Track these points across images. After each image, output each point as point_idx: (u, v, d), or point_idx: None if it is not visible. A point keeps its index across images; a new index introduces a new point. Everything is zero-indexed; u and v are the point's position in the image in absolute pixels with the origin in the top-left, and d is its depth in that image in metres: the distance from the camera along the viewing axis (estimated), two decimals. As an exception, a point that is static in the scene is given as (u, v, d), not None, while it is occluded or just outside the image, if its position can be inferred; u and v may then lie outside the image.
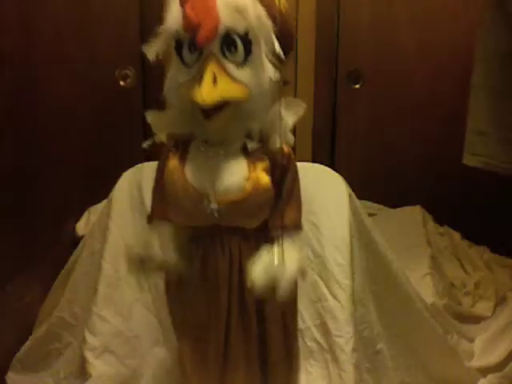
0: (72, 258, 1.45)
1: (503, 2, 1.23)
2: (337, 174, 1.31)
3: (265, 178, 0.82)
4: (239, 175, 0.82)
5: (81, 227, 1.69)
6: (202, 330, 0.91)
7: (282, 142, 0.85)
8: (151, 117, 0.89)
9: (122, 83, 1.82)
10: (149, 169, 1.22)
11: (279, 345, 0.91)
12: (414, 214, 1.87)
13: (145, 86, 1.86)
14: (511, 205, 1.75)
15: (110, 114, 1.80)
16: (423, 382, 1.30)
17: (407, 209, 1.90)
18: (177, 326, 0.96)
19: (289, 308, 0.93)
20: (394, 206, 1.93)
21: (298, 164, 0.91)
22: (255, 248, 0.88)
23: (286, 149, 0.87)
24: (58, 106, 1.67)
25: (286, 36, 0.82)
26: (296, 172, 0.89)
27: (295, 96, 1.86)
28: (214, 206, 0.82)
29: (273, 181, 0.84)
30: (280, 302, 0.86)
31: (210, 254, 0.88)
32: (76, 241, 1.54)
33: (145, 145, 0.88)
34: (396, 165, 1.91)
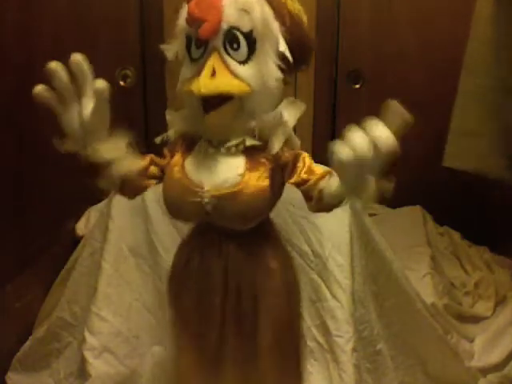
0: (72, 258, 1.45)
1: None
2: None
3: (260, 180, 0.82)
4: (235, 171, 0.82)
5: (81, 227, 1.69)
6: (198, 332, 0.91)
7: (281, 145, 0.83)
8: (169, 114, 0.91)
9: (121, 83, 1.82)
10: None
11: (269, 350, 0.90)
12: (414, 214, 1.87)
13: (145, 86, 1.86)
14: (511, 205, 1.74)
15: (110, 114, 1.80)
16: (423, 382, 1.30)
17: (407, 209, 1.90)
18: (175, 326, 0.96)
19: (283, 311, 0.92)
20: (394, 206, 1.93)
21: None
22: (253, 255, 0.88)
23: (290, 150, 0.85)
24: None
25: (296, 37, 0.82)
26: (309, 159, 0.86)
27: (295, 96, 1.86)
28: (207, 198, 0.82)
29: (273, 185, 0.84)
30: (274, 304, 0.88)
31: (206, 259, 0.89)
32: (76, 241, 1.54)
33: (158, 140, 0.89)
34: (396, 165, 1.91)
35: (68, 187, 1.69)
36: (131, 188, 0.88)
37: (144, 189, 0.89)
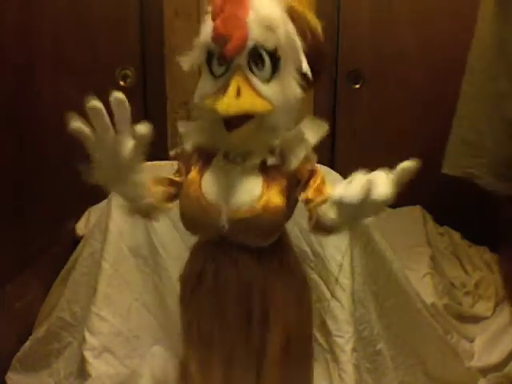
0: (72, 258, 1.45)
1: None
2: (337, 174, 1.31)
3: (277, 200, 0.82)
4: (252, 194, 0.82)
5: (81, 227, 1.69)
6: (209, 340, 0.92)
7: (300, 162, 0.84)
8: (182, 126, 0.90)
9: (121, 83, 1.82)
10: (149, 169, 1.22)
11: (275, 361, 0.91)
12: (414, 214, 1.87)
13: (145, 86, 1.86)
14: (511, 205, 1.74)
15: (110, 114, 1.81)
16: (423, 382, 1.30)
17: (407, 209, 1.90)
18: (186, 333, 0.97)
19: (294, 320, 0.92)
20: (394, 206, 1.93)
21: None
22: (266, 269, 0.89)
23: (308, 167, 0.86)
24: (57, 106, 1.68)
25: (315, 53, 0.82)
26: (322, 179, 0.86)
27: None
28: (224, 220, 0.82)
29: (289, 201, 0.84)
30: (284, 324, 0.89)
31: (221, 269, 0.89)
32: (76, 241, 1.54)
33: (172, 153, 0.90)
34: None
35: (68, 187, 1.70)
36: (154, 212, 0.88)
37: (166, 211, 0.89)
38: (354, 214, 0.69)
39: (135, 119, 0.72)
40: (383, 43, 1.89)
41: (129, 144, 0.72)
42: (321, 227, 0.81)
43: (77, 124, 0.70)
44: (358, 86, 1.92)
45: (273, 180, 0.83)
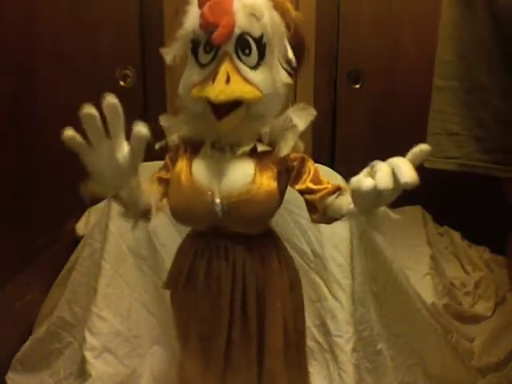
0: (72, 258, 1.45)
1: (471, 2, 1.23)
2: (337, 174, 1.31)
3: (271, 184, 0.83)
4: (245, 175, 0.82)
5: (81, 227, 1.69)
6: (205, 337, 0.91)
7: (290, 149, 0.85)
8: (164, 120, 0.90)
9: (121, 83, 1.82)
10: (148, 169, 1.22)
11: (277, 354, 0.91)
12: (414, 214, 1.87)
13: (145, 86, 1.86)
14: (510, 204, 1.74)
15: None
16: (423, 382, 1.30)
17: (407, 209, 1.89)
18: (181, 332, 0.96)
19: (288, 312, 0.92)
20: (394, 206, 1.93)
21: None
22: (259, 260, 0.89)
23: (295, 155, 0.86)
24: (57, 106, 1.68)
25: (297, 44, 0.84)
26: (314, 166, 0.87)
27: (295, 96, 1.86)
28: (217, 203, 0.82)
29: (280, 188, 0.85)
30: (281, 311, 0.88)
31: (213, 263, 0.89)
32: (76, 241, 1.54)
33: (157, 146, 0.88)
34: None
35: (68, 187, 1.69)
36: (151, 213, 0.86)
37: (163, 210, 0.88)
38: (374, 203, 0.68)
39: (135, 120, 0.71)
40: (383, 43, 1.89)
41: (124, 149, 0.70)
42: (328, 217, 0.80)
43: (69, 133, 0.68)
44: (358, 86, 1.92)
45: (264, 166, 0.84)
